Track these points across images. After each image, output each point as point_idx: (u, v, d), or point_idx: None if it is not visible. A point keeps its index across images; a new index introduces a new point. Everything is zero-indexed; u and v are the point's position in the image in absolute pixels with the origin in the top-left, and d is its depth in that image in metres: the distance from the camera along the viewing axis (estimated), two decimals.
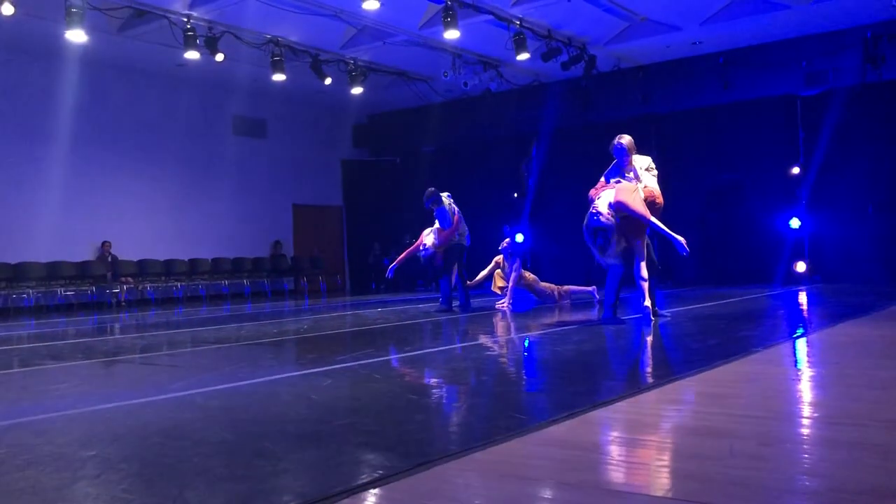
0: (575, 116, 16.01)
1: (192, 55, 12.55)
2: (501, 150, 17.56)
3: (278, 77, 13.78)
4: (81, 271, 14.54)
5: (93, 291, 14.59)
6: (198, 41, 12.29)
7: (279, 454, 2.85)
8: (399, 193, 19.11)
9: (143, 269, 15.42)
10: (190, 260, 16.19)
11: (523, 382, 4.62)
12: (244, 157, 17.23)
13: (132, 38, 12.97)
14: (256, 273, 17.30)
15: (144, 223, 15.56)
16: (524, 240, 17.27)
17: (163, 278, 15.73)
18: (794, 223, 14.22)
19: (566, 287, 11.00)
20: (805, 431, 3.00)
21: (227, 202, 16.83)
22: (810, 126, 14.06)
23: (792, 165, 14.31)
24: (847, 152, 13.78)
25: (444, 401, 3.73)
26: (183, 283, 15.98)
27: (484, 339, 6.89)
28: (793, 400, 3.70)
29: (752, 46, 14.19)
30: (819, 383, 4.10)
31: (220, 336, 7.79)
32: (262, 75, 14.25)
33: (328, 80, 14.55)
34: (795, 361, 4.99)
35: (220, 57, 12.86)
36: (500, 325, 8.38)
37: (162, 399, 4.13)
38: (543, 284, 10.90)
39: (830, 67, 13.69)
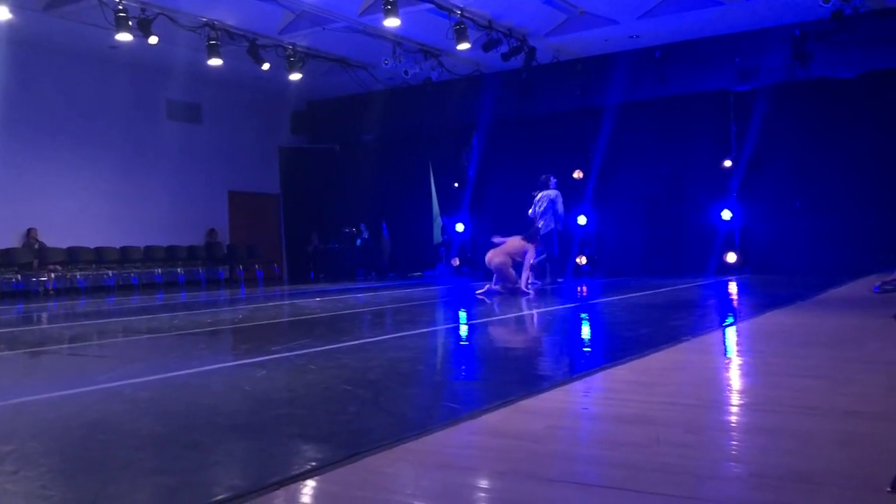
0: (515, 107, 16.10)
1: (124, 37, 12.17)
2: (442, 139, 17.55)
3: (214, 62, 13.48)
4: (6, 259, 14.02)
5: (18, 280, 14.09)
6: (130, 23, 11.94)
7: (209, 446, 2.80)
8: (338, 181, 18.96)
9: (72, 256, 14.95)
10: (122, 247, 15.77)
11: (458, 372, 4.65)
12: (179, 142, 16.82)
13: (60, 17, 12.51)
14: (191, 261, 16.95)
15: (74, 209, 15.07)
16: (464, 229, 17.33)
17: (93, 266, 15.28)
18: (726, 215, 14.59)
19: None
20: (730, 418, 3.09)
21: (160, 189, 16.43)
22: (742, 121, 14.44)
23: (724, 159, 14.67)
24: (776, 147, 14.20)
25: (380, 391, 3.72)
26: (114, 272, 15.55)
27: (424, 329, 6.89)
28: (719, 388, 3.80)
29: (688, 42, 14.47)
30: (745, 371, 4.22)
31: (152, 326, 7.62)
32: (198, 59, 13.92)
33: (266, 66, 14.30)
34: (724, 350, 5.13)
35: (153, 40, 12.50)
36: (441, 314, 8.40)
37: (88, 391, 4.01)
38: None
39: (761, 64, 14.06)
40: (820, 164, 13.93)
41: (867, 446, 2.52)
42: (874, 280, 9.33)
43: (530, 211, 12.19)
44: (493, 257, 10.60)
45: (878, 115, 13.32)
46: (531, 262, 10.67)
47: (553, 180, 12.21)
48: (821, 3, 12.03)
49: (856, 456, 2.42)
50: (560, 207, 11.98)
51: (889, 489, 2.04)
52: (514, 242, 10.66)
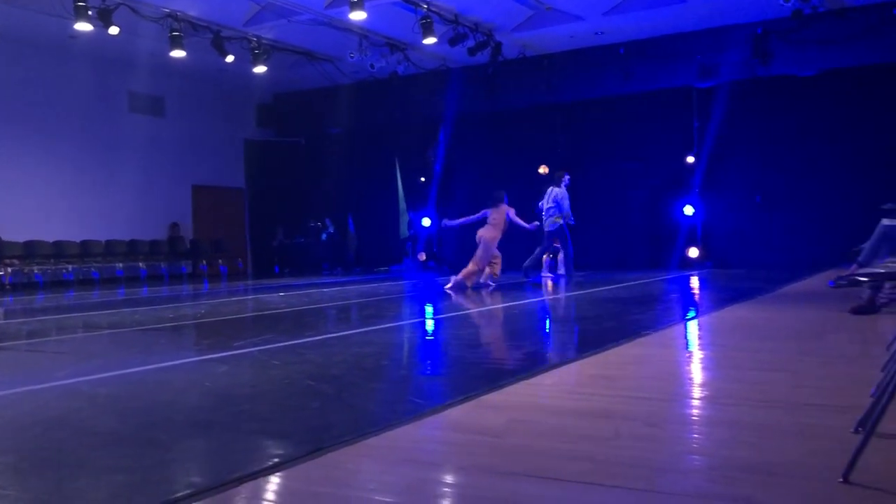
0: (481, 102, 16.12)
1: (83, 27, 11.93)
2: (409, 133, 17.52)
3: (177, 53, 13.27)
4: None
5: None
6: (90, 12, 11.70)
7: (168, 444, 2.77)
8: (304, 175, 18.83)
9: (30, 250, 14.65)
10: (82, 242, 15.50)
11: (422, 366, 4.65)
12: (141, 135, 16.55)
13: (16, 5, 12.23)
14: (153, 256, 16.72)
15: (32, 203, 14.75)
16: (431, 224, 17.33)
17: (52, 261, 14.99)
18: (688, 210, 14.77)
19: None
20: (690, 412, 3.13)
21: (122, 182, 16.16)
22: (704, 117, 14.63)
23: (687, 154, 14.85)
24: (737, 143, 14.42)
25: (343, 386, 3.71)
26: (74, 266, 15.28)
27: (389, 324, 6.87)
28: (680, 381, 3.85)
29: (651, 39, 14.60)
30: (706, 365, 4.27)
31: (113, 321, 7.51)
32: (161, 51, 13.69)
33: (230, 58, 14.13)
34: (685, 343, 5.20)
35: (114, 30, 12.29)
36: (406, 309, 8.39)
37: (46, 387, 3.94)
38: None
39: (723, 61, 14.24)
40: (780, 159, 14.18)
41: (823, 438, 2.57)
42: (833, 274, 9.52)
43: (540, 203, 12.40)
44: (485, 233, 10.53)
45: (835, 113, 13.58)
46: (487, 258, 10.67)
47: (566, 178, 12.31)
48: (781, 2, 12.22)
49: (812, 448, 2.47)
50: (566, 205, 12.04)
51: (842, 480, 2.08)
52: (492, 232, 10.58)
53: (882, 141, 13.07)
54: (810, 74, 13.72)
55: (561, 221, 12.01)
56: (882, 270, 2.51)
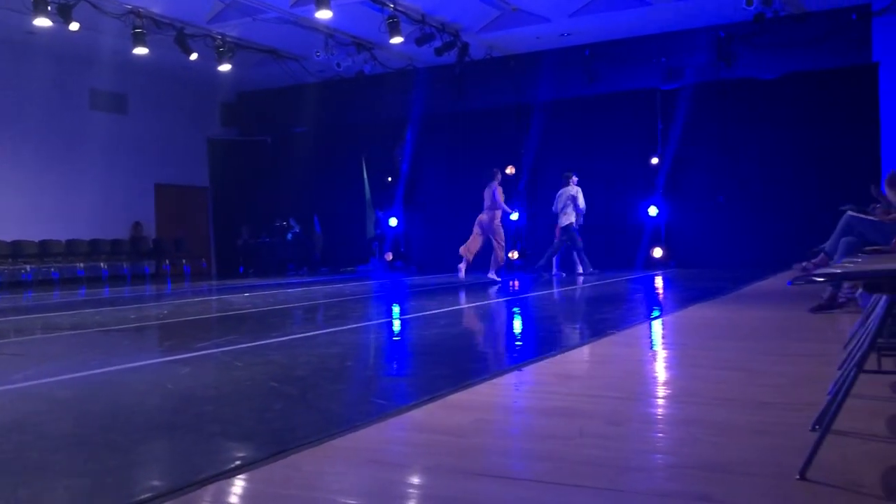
0: (448, 102, 16.14)
1: (42, 23, 11.72)
2: (375, 133, 17.46)
3: (140, 50, 13.09)
4: None
5: None
6: (49, 7, 11.49)
7: (129, 446, 2.73)
8: (269, 174, 18.65)
9: None
10: (41, 241, 15.21)
11: (387, 367, 4.64)
12: (103, 133, 16.28)
13: None
14: (115, 256, 16.46)
15: None
16: (398, 224, 17.30)
17: (10, 261, 14.69)
18: (652, 211, 14.93)
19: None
20: (652, 410, 3.16)
21: (83, 181, 15.89)
22: (669, 119, 14.80)
23: (651, 156, 15.01)
24: (701, 144, 14.60)
25: (306, 388, 3.69)
26: (33, 266, 14.99)
27: (354, 324, 6.85)
28: (643, 380, 3.89)
29: (617, 41, 14.74)
30: (668, 364, 4.33)
31: (74, 322, 7.38)
32: (123, 48, 13.49)
33: (194, 56, 13.97)
34: (648, 343, 5.25)
35: (74, 26, 12.08)
36: (373, 310, 8.37)
37: (2, 390, 3.86)
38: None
39: (687, 64, 14.44)
40: (743, 161, 14.39)
41: (780, 436, 2.61)
42: (793, 274, 9.68)
43: (553, 207, 13.09)
44: (482, 216, 11.65)
45: (797, 115, 13.81)
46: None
47: (574, 178, 12.93)
48: (744, 6, 12.41)
49: (769, 445, 2.51)
50: (581, 202, 12.86)
51: (799, 477, 2.12)
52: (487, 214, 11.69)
53: (841, 142, 13.33)
54: (772, 77, 13.95)
55: (573, 220, 12.74)
56: (839, 270, 2.56)
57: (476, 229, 11.74)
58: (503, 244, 11.78)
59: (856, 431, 2.58)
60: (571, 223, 12.77)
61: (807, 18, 13.28)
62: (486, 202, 11.65)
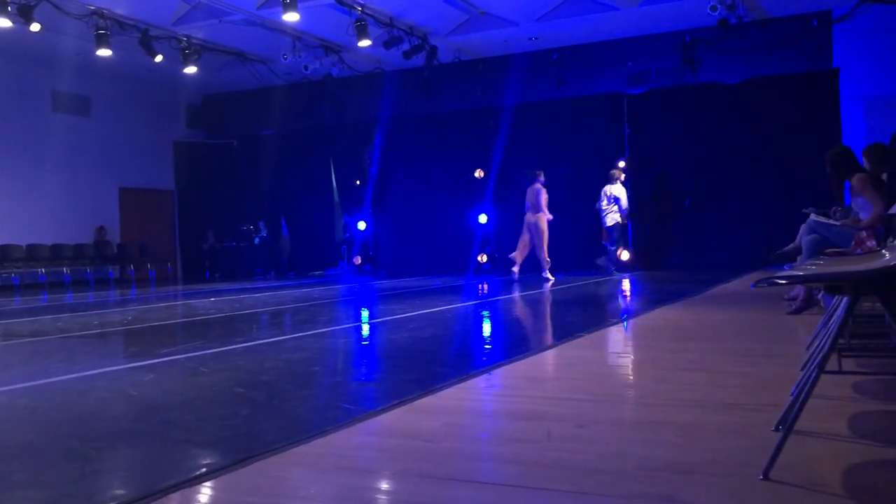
0: (416, 106, 16.13)
1: (2, 23, 11.48)
2: (344, 136, 17.39)
3: (103, 52, 12.89)
4: None
5: None
6: (9, 8, 11.28)
7: (90, 455, 2.68)
8: (236, 178, 18.48)
9: None
10: (1, 246, 14.91)
11: (355, 372, 4.61)
12: (65, 136, 16.01)
13: None
14: (78, 260, 16.18)
15: None
16: (366, 227, 17.24)
17: None
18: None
19: None
20: (617, 413, 3.18)
21: (45, 184, 15.61)
22: (635, 123, 14.95)
23: (618, 159, 15.11)
24: (667, 148, 14.76)
25: (273, 393, 3.65)
26: None
27: (322, 329, 6.81)
28: (609, 382, 3.91)
29: (584, 45, 14.86)
30: (634, 366, 4.36)
31: (34, 328, 7.25)
32: (86, 49, 13.28)
33: (159, 58, 13.80)
34: (615, 345, 5.29)
35: (35, 27, 11.87)
36: (341, 314, 8.32)
37: None
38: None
39: (653, 68, 14.60)
40: (708, 164, 14.56)
41: (743, 437, 2.64)
42: (758, 276, 9.82)
43: (596, 204, 13.55)
44: (529, 217, 12.10)
45: (760, 119, 14.03)
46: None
47: (622, 174, 13.52)
48: (708, 11, 12.57)
49: (733, 446, 2.53)
50: (624, 202, 13.34)
51: (762, 477, 2.15)
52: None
53: (803, 146, 13.52)
54: (736, 82, 14.16)
55: (618, 219, 13.22)
56: (801, 273, 2.60)
57: (525, 232, 12.15)
58: (545, 245, 12.04)
59: (818, 431, 2.62)
60: (617, 222, 13.22)
61: (770, 24, 13.51)
62: (529, 203, 11.97)
